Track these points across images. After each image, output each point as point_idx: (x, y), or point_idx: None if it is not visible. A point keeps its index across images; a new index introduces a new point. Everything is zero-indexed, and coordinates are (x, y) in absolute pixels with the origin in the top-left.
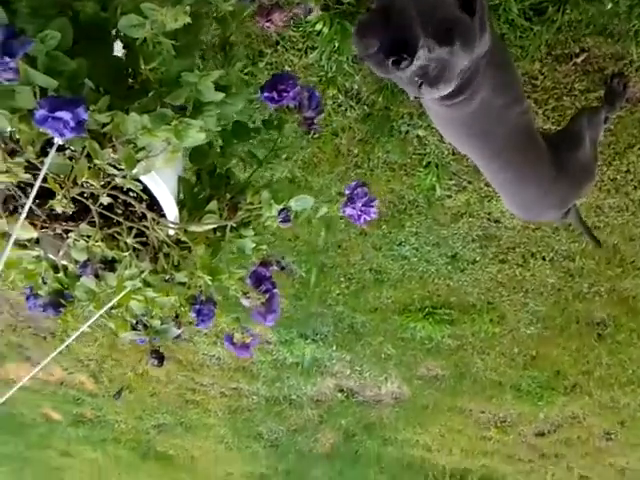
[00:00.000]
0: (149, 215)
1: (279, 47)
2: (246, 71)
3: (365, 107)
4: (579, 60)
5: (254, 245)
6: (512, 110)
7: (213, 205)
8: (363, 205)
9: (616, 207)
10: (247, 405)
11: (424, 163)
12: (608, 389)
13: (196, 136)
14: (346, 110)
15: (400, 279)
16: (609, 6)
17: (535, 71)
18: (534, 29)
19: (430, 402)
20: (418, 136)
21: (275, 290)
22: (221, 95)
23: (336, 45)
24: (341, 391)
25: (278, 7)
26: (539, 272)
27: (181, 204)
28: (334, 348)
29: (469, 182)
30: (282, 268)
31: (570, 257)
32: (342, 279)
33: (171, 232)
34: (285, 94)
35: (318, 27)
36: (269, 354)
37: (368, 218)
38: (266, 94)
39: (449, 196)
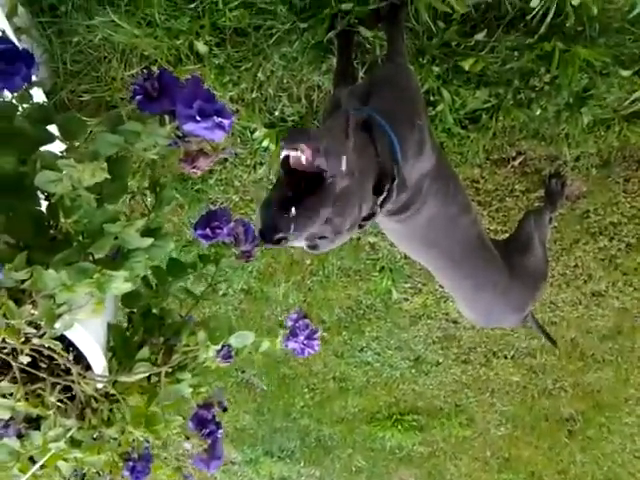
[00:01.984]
0: (74, 369)
1: (228, 164)
2: (196, 188)
3: None
4: (516, 163)
5: (192, 389)
6: (461, 220)
7: (144, 352)
8: (306, 338)
9: (569, 301)
10: None
11: (378, 268)
12: None
13: (121, 287)
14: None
15: (365, 386)
16: (538, 112)
17: (476, 175)
18: (471, 136)
19: None
20: (370, 242)
21: (219, 433)
22: (149, 241)
23: None
24: None
25: (202, 153)
26: (502, 371)
27: (112, 351)
28: (302, 464)
29: (424, 284)
30: (224, 409)
31: (531, 354)
32: (305, 390)
33: (100, 385)
34: (219, 231)
35: (265, 144)
36: (234, 475)
37: (312, 351)
38: (199, 232)
39: (406, 299)
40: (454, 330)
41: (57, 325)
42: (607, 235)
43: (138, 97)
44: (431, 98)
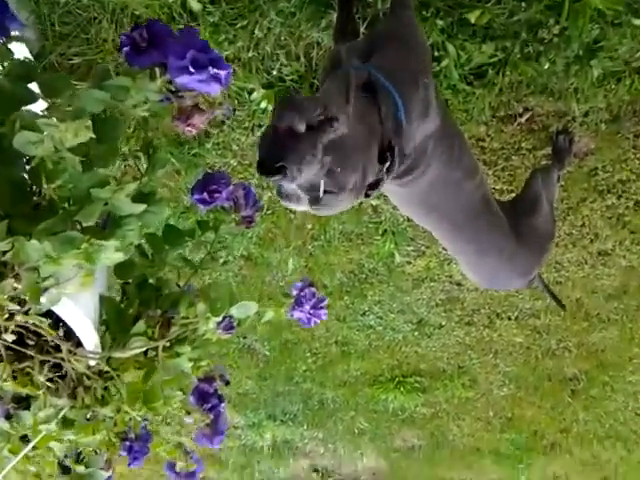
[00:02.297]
0: (63, 346)
1: (225, 127)
2: (193, 153)
3: None
4: (523, 120)
5: (192, 362)
6: (467, 183)
7: (140, 326)
8: (312, 307)
9: (575, 261)
10: None
11: (380, 231)
12: (588, 445)
13: (112, 257)
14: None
15: (367, 350)
16: (546, 66)
17: (482, 133)
18: (476, 93)
19: (409, 474)
20: (372, 205)
21: (222, 407)
22: (141, 207)
23: None
24: (316, 471)
25: (197, 109)
26: (506, 332)
27: (105, 326)
28: (305, 427)
29: (427, 247)
30: (227, 383)
31: (535, 315)
32: (308, 354)
33: (92, 362)
34: (217, 195)
35: (263, 105)
36: (237, 439)
37: (318, 320)
38: (196, 196)
39: (409, 262)
40: (457, 292)
41: (43, 300)
42: (615, 193)
43: (125, 49)
44: (435, 53)
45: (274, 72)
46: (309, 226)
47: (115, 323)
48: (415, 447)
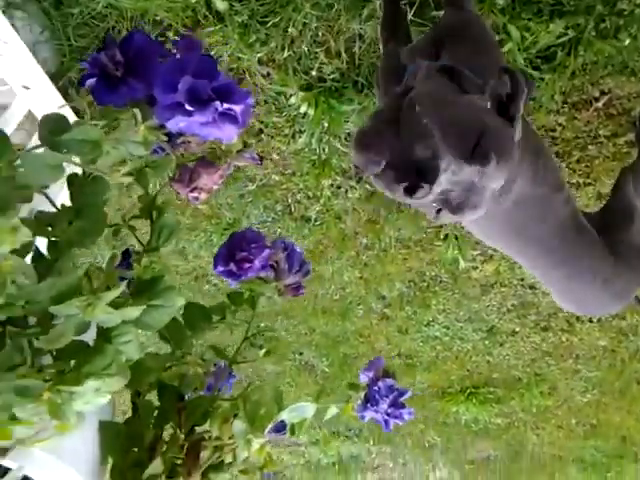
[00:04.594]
0: None
1: (263, 136)
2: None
3: (367, 186)
4: (600, 104)
5: None
6: (554, 200)
7: (156, 466)
8: (391, 406)
9: None
10: None
11: (441, 236)
12: None
13: (93, 401)
14: (346, 192)
15: (433, 361)
16: (626, 42)
17: (552, 123)
18: (545, 78)
19: None
20: None
21: None
22: (136, 313)
23: (325, 125)
24: None
25: (205, 164)
26: (588, 335)
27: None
28: (371, 442)
29: (495, 250)
30: None
31: (619, 316)
32: None
33: None
34: (249, 265)
35: (303, 109)
36: (301, 456)
37: (400, 422)
38: (220, 268)
39: (475, 267)
40: (531, 296)
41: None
42: None
43: (90, 81)
44: (496, 37)
45: (313, 72)
46: (361, 236)
47: (121, 458)
48: (491, 458)
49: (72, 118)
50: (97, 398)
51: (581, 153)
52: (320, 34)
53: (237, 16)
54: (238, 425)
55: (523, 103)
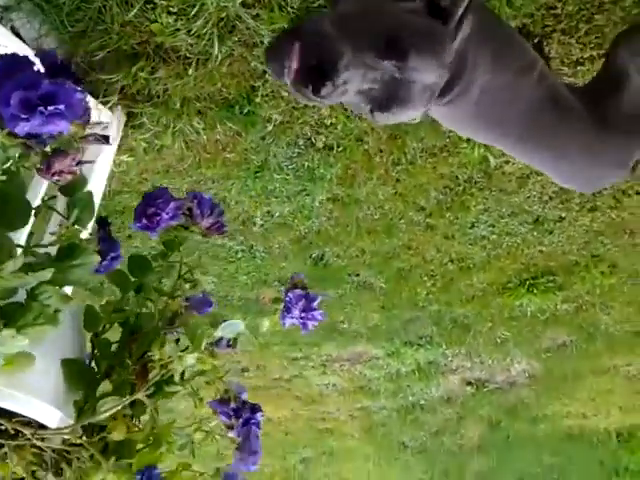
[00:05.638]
0: (26, 432)
1: (267, 76)
2: (245, 111)
3: None
4: None
5: (192, 397)
6: (524, 82)
7: (105, 386)
8: (303, 311)
9: None
10: (380, 420)
11: (465, 138)
12: None
13: (12, 345)
14: (361, 113)
15: (486, 260)
16: None
17: (550, 0)
18: None
19: (568, 370)
20: None
21: (253, 424)
22: (48, 274)
23: None
24: (469, 384)
25: (56, 152)
26: (638, 208)
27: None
28: (444, 347)
29: None
30: (244, 403)
31: None
32: (425, 278)
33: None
34: (158, 217)
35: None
36: (381, 369)
37: (316, 322)
38: (138, 224)
39: (507, 162)
40: None
41: None
42: None
43: None
44: None
45: (297, 3)
46: (386, 153)
47: (79, 388)
48: (567, 344)
49: None
50: (15, 343)
51: (588, 25)
52: None
53: None
54: (168, 348)
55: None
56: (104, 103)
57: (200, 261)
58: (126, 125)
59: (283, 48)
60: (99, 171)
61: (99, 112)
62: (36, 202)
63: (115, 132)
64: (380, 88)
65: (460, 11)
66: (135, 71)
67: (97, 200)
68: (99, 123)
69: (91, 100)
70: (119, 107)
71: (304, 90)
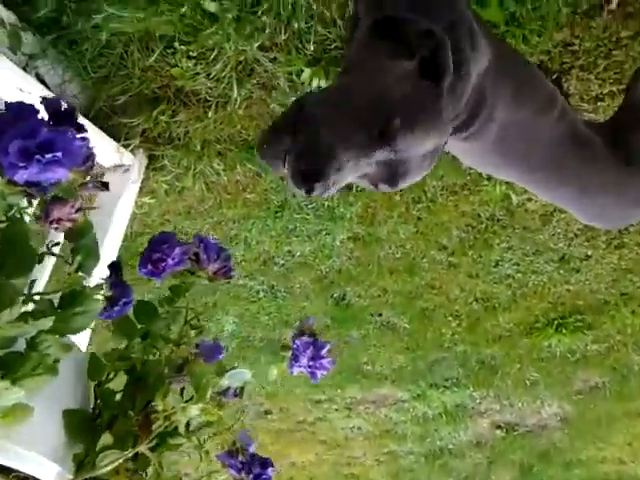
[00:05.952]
0: None
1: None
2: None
3: None
4: (613, 6)
5: (198, 450)
6: (545, 119)
7: (106, 438)
8: (311, 359)
9: None
10: (407, 466)
11: (486, 175)
12: None
13: (7, 397)
14: None
15: (512, 299)
16: None
17: (567, 37)
18: None
19: (601, 413)
20: None
21: (267, 474)
22: (49, 323)
23: None
24: (499, 427)
25: (55, 202)
26: None
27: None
28: (471, 389)
29: None
30: (252, 456)
31: None
32: (450, 318)
33: None
34: (164, 263)
35: (315, 83)
36: (407, 412)
37: (324, 372)
38: (143, 270)
39: (529, 199)
40: None
41: None
42: None
43: None
44: None
45: (314, 46)
46: (406, 191)
47: (80, 440)
48: (599, 385)
49: None
50: (10, 395)
51: (607, 61)
52: (313, 7)
53: (228, 13)
54: (171, 399)
55: (449, 57)
56: (126, 146)
57: (218, 301)
58: (147, 167)
59: (273, 149)
60: (120, 213)
61: (121, 155)
62: (41, 248)
63: (137, 175)
64: (378, 170)
65: (449, 62)
66: (156, 114)
67: (118, 242)
68: (121, 166)
69: (113, 143)
70: (141, 150)
71: (296, 190)
